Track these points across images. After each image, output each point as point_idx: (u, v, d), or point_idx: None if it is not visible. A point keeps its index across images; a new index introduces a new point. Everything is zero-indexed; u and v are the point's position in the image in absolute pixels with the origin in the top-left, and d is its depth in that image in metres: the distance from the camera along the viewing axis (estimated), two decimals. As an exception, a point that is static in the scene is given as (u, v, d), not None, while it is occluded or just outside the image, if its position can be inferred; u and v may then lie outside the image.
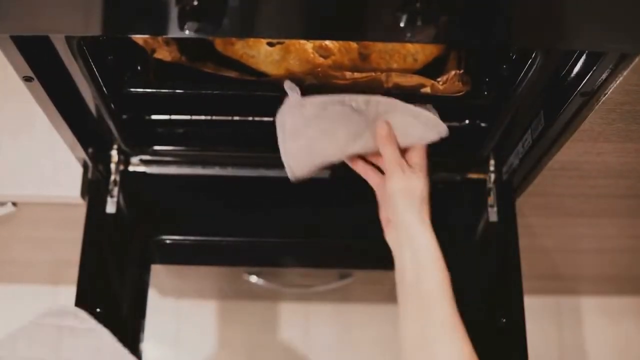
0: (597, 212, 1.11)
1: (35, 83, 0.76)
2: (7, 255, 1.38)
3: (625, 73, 0.70)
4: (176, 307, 1.64)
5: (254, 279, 1.29)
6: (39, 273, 1.48)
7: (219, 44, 0.86)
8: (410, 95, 0.85)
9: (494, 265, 0.99)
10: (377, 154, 0.84)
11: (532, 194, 1.00)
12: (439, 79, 0.84)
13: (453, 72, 0.84)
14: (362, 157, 0.87)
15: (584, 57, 0.73)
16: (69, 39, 0.72)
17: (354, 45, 0.84)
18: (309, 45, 0.83)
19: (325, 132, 0.82)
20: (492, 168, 1.00)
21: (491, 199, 1.00)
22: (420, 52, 0.85)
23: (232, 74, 0.85)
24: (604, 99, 0.75)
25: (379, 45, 0.84)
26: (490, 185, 1.00)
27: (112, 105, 0.87)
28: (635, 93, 0.74)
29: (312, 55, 0.83)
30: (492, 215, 0.99)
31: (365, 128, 0.83)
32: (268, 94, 0.84)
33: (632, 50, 0.66)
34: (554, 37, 0.65)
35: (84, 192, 1.02)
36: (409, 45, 0.84)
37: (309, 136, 0.82)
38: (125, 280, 0.85)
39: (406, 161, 0.83)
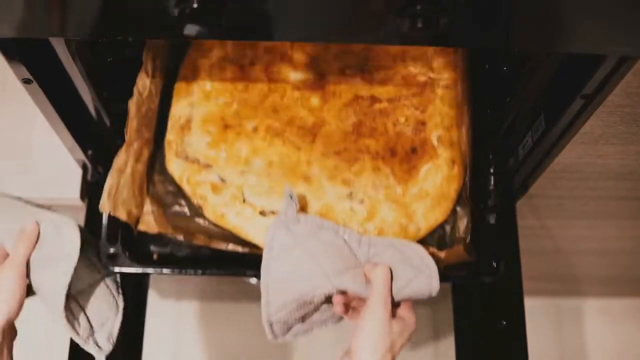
0: (597, 214, 1.11)
1: (35, 86, 0.76)
2: (7, 257, 1.38)
3: (626, 76, 0.70)
4: (176, 309, 1.64)
5: (254, 280, 1.29)
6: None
7: (209, 213, 0.84)
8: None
9: (493, 267, 0.98)
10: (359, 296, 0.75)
11: (532, 196, 1.00)
12: (443, 250, 0.83)
13: (460, 246, 0.83)
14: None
15: (584, 59, 0.73)
16: (68, 42, 0.72)
17: (360, 215, 0.83)
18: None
19: (314, 256, 0.75)
20: (492, 170, 0.99)
21: (491, 201, 0.99)
22: (422, 219, 0.84)
23: (223, 246, 0.83)
24: (604, 101, 0.74)
25: (382, 213, 0.83)
26: (491, 187, 1.00)
27: (112, 107, 0.87)
28: (636, 95, 0.74)
29: None
30: (492, 217, 0.99)
31: (355, 265, 0.76)
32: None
33: (632, 53, 0.66)
34: (555, 40, 0.65)
35: (84, 194, 1.01)
36: (412, 214, 0.83)
37: (296, 257, 0.75)
38: (125, 282, 0.85)
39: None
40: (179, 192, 0.87)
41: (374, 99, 0.88)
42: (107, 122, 0.88)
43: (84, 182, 1.01)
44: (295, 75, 0.89)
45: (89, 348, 0.79)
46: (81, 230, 0.79)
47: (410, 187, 0.85)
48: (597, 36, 0.63)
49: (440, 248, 0.85)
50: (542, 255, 1.31)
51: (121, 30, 0.63)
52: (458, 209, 0.86)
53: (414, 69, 0.89)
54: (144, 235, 0.85)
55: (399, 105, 0.88)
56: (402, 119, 0.87)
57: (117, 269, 0.82)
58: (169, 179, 0.87)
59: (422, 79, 0.89)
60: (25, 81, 0.75)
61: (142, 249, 0.86)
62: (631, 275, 1.50)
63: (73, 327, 0.78)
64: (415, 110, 0.87)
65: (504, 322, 0.96)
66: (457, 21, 0.60)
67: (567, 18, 0.61)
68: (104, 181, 0.96)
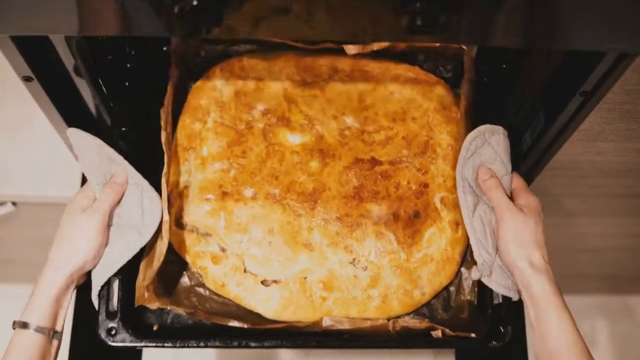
0: (596, 212, 1.11)
1: (35, 83, 0.76)
2: (7, 255, 1.38)
3: (625, 73, 0.70)
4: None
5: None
6: (38, 273, 1.47)
7: (210, 283, 0.82)
8: None
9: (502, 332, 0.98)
10: None
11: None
12: (448, 312, 0.83)
13: (466, 311, 0.82)
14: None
15: (583, 56, 0.73)
16: (68, 39, 0.72)
17: (364, 282, 0.82)
18: (308, 285, 0.81)
19: None
20: (491, 167, 0.99)
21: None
22: (427, 284, 0.82)
23: (224, 322, 0.79)
24: (603, 98, 0.75)
25: (386, 279, 0.82)
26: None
27: (112, 105, 0.87)
28: (635, 92, 0.74)
29: (311, 298, 0.81)
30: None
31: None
32: (268, 344, 0.79)
33: (631, 50, 0.66)
34: (553, 37, 0.65)
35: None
36: (417, 279, 0.82)
37: None
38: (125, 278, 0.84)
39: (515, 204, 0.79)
40: (179, 260, 0.84)
41: (374, 162, 0.86)
42: (107, 120, 0.88)
43: (84, 180, 1.01)
44: (293, 138, 0.87)
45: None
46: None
47: (415, 252, 0.83)
48: (596, 33, 0.63)
49: (445, 310, 0.84)
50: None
51: (121, 27, 0.63)
52: (463, 269, 0.84)
53: (414, 128, 0.87)
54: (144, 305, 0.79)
55: (401, 167, 0.85)
56: (404, 182, 0.85)
57: (116, 345, 0.79)
58: (169, 249, 0.81)
59: (423, 138, 0.87)
60: (26, 79, 0.75)
61: (141, 319, 0.83)
62: (630, 272, 1.50)
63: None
64: (417, 172, 0.85)
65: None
66: (456, 19, 0.60)
67: (566, 15, 0.61)
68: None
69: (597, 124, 0.80)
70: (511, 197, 0.80)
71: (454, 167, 0.84)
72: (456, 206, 0.83)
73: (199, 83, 0.89)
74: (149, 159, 0.84)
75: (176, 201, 0.84)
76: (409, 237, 0.83)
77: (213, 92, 0.88)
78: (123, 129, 0.85)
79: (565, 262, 1.41)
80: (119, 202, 0.78)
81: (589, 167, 0.92)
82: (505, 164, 0.81)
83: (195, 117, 0.87)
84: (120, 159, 0.80)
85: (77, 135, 0.80)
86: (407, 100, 0.89)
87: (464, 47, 0.87)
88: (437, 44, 0.88)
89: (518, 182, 0.81)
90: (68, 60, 0.76)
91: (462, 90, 0.86)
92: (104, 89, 0.83)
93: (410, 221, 0.84)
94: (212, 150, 0.86)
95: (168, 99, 0.84)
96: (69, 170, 1.02)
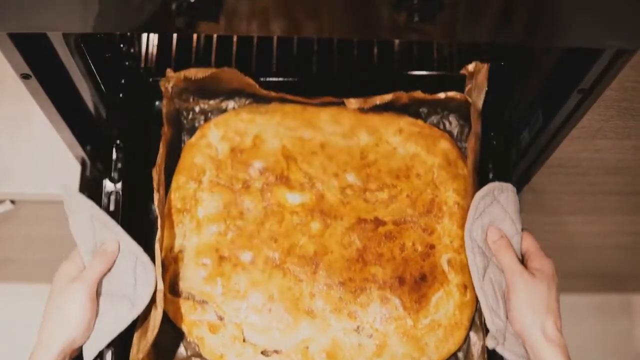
0: (595, 210, 1.11)
1: (33, 81, 0.76)
2: (6, 254, 1.38)
3: (623, 70, 0.70)
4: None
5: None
6: (37, 272, 1.47)
7: (207, 354, 0.79)
8: None
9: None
10: None
11: (530, 191, 1.01)
12: None
13: None
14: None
15: (581, 53, 0.73)
16: (66, 37, 0.72)
17: (369, 350, 0.78)
18: (310, 355, 0.78)
19: None
20: (490, 165, 1.00)
21: (489, 196, 1.00)
22: (435, 352, 0.79)
23: None
24: (601, 96, 0.75)
25: (392, 347, 0.78)
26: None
27: (110, 103, 0.87)
28: (633, 90, 0.74)
29: None
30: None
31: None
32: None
33: (629, 47, 0.66)
34: (551, 34, 0.65)
35: (82, 190, 1.02)
36: (424, 346, 0.79)
37: None
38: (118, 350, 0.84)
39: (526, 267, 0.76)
40: (174, 330, 0.81)
41: (378, 222, 0.82)
42: (106, 118, 0.88)
43: (83, 178, 1.01)
44: (292, 198, 0.83)
45: None
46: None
47: (422, 317, 0.79)
48: (594, 30, 0.64)
49: None
50: (541, 251, 1.32)
51: (118, 24, 0.63)
52: (471, 334, 0.81)
53: (419, 186, 0.83)
54: None
55: (405, 228, 0.82)
56: (409, 243, 0.81)
57: None
58: (164, 317, 0.77)
59: (428, 197, 0.83)
60: (24, 76, 0.75)
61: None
62: (629, 271, 1.50)
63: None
64: (423, 233, 0.81)
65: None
66: (453, 15, 0.60)
67: (564, 12, 0.61)
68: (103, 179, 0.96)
69: (596, 122, 0.80)
70: (523, 258, 0.78)
71: (460, 227, 0.81)
72: (464, 268, 0.80)
73: (193, 139, 0.86)
74: (142, 217, 0.83)
75: (171, 266, 0.80)
76: (415, 302, 0.79)
77: (208, 150, 0.84)
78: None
79: (564, 261, 1.40)
80: (109, 270, 0.75)
81: (587, 165, 0.92)
82: (515, 222, 0.79)
83: (189, 176, 0.84)
84: (113, 224, 0.77)
85: (70, 196, 0.78)
86: (411, 156, 0.85)
87: (469, 99, 0.83)
88: (442, 96, 0.84)
89: (530, 242, 0.78)
90: (66, 57, 0.76)
91: (469, 145, 0.83)
92: (102, 86, 0.83)
93: (416, 285, 0.80)
94: (207, 211, 0.82)
95: (160, 159, 0.81)
96: (68, 168, 1.02)
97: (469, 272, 0.78)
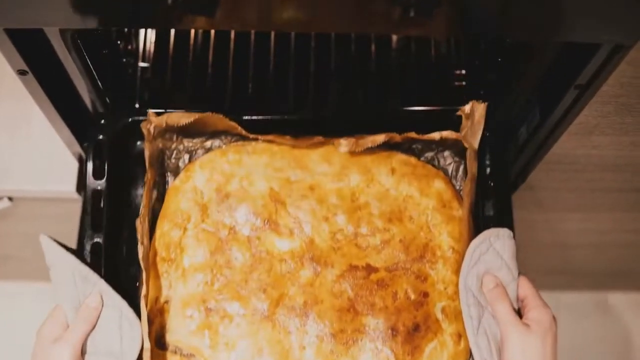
0: (593, 207, 1.11)
1: (30, 77, 0.76)
2: (4, 251, 1.38)
3: (620, 65, 0.70)
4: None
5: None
6: (35, 270, 1.48)
7: None
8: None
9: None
10: None
11: (528, 188, 1.00)
12: None
13: None
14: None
15: (578, 49, 0.73)
16: (63, 32, 0.72)
17: None
18: None
19: None
20: (488, 162, 1.00)
21: (488, 193, 1.00)
22: None
23: None
24: (598, 91, 0.75)
25: None
26: (487, 178, 1.00)
27: (107, 100, 0.87)
28: (630, 85, 0.74)
29: None
30: (488, 209, 0.99)
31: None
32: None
33: (626, 42, 0.66)
34: (548, 29, 0.65)
35: (80, 187, 1.02)
36: None
37: None
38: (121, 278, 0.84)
39: (521, 318, 0.74)
40: None
41: (370, 269, 0.80)
42: (104, 115, 0.88)
43: (81, 175, 1.01)
44: (281, 245, 0.80)
45: None
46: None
47: None
48: (591, 25, 0.64)
49: None
50: (538, 249, 1.32)
51: (115, 19, 0.63)
52: None
53: (412, 229, 0.81)
54: None
55: (398, 274, 0.79)
56: (402, 292, 0.79)
57: None
58: None
59: (421, 241, 0.81)
60: (21, 72, 0.75)
61: None
62: (629, 269, 1.50)
63: None
64: (416, 280, 0.79)
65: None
66: (449, 10, 0.60)
67: (561, 7, 0.61)
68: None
69: (593, 117, 0.80)
70: (520, 307, 0.76)
71: (454, 272, 0.80)
72: (458, 315, 0.78)
73: (177, 182, 0.83)
74: (127, 268, 0.81)
75: (156, 318, 0.78)
76: (408, 354, 0.77)
77: (193, 194, 0.82)
78: (96, 240, 0.80)
79: (562, 258, 1.41)
80: (93, 327, 0.73)
81: (585, 161, 0.92)
82: (512, 269, 0.77)
83: (174, 223, 0.81)
84: (95, 278, 0.75)
85: (51, 248, 0.76)
86: (404, 197, 0.83)
87: (465, 143, 0.81)
88: (436, 137, 0.82)
89: (527, 288, 0.76)
90: (63, 53, 0.76)
91: (465, 190, 0.81)
92: (99, 83, 0.83)
93: (409, 336, 0.78)
94: (193, 260, 0.80)
95: (144, 209, 0.79)
96: (65, 164, 1.02)
97: (463, 320, 0.76)
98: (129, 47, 0.94)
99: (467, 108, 0.81)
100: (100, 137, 0.81)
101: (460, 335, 0.78)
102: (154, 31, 1.00)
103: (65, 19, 0.65)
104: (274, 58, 0.98)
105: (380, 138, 0.80)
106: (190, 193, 0.82)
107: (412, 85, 0.99)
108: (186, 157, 0.85)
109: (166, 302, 0.79)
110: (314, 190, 0.82)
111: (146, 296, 0.76)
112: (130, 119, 0.81)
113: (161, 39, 0.97)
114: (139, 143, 0.83)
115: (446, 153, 0.85)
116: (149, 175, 0.80)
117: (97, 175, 0.80)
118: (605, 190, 1.04)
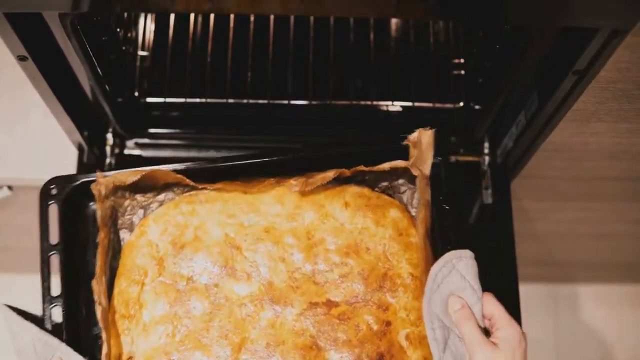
0: (592, 196, 1.11)
1: (30, 63, 0.76)
2: (3, 242, 1.39)
3: (617, 50, 0.70)
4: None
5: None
6: (35, 261, 1.47)
7: None
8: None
9: (489, 246, 0.99)
10: None
11: (526, 176, 1.01)
12: None
13: None
14: None
15: (576, 34, 0.74)
16: (62, 18, 0.72)
17: None
18: None
19: None
20: (486, 150, 1.00)
21: (486, 182, 1.00)
22: None
23: None
24: (596, 77, 0.75)
25: None
26: (485, 167, 1.00)
27: (107, 87, 0.87)
28: (628, 71, 0.74)
29: None
30: (487, 197, 1.00)
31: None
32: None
33: (623, 26, 0.67)
34: (546, 13, 0.65)
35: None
36: None
37: None
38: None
39: (489, 336, 0.73)
40: None
41: (330, 304, 0.79)
42: (103, 103, 0.88)
43: (80, 164, 1.01)
44: (240, 289, 0.80)
45: None
46: None
47: None
48: (588, 9, 0.64)
49: None
50: (537, 239, 1.32)
51: (112, 3, 0.64)
52: None
53: (370, 261, 0.80)
54: None
55: (359, 306, 0.79)
56: (364, 324, 0.78)
57: None
58: None
59: (380, 271, 0.80)
60: (21, 58, 0.76)
61: None
62: (627, 260, 1.50)
63: None
64: (378, 310, 0.78)
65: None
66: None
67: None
68: (100, 164, 0.96)
69: (591, 104, 0.81)
70: (488, 326, 0.75)
71: (416, 298, 0.79)
72: (422, 340, 0.78)
73: (132, 238, 0.83)
74: (87, 328, 0.81)
75: None
76: None
77: (148, 248, 0.81)
78: (55, 304, 0.79)
79: (562, 249, 1.41)
80: None
81: (582, 149, 0.92)
82: (476, 290, 0.75)
83: (131, 279, 0.81)
84: (56, 342, 0.75)
85: (10, 318, 0.76)
86: (360, 230, 0.82)
87: (413, 172, 0.80)
88: (386, 167, 0.81)
89: (494, 308, 0.74)
90: (62, 40, 0.76)
91: (419, 217, 0.80)
92: (99, 69, 0.84)
93: None
94: (153, 314, 0.79)
95: (99, 270, 0.79)
96: (64, 153, 1.02)
97: (429, 344, 0.75)
98: (129, 35, 0.94)
99: (412, 136, 0.80)
100: (51, 202, 0.81)
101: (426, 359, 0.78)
102: (153, 20, 1.00)
103: (63, 2, 0.65)
104: (272, 47, 0.98)
105: (330, 174, 0.80)
106: (145, 248, 0.82)
107: (411, 74, 0.99)
108: (140, 212, 0.84)
109: (129, 358, 0.79)
110: (269, 232, 0.82)
111: (108, 354, 0.76)
112: (80, 181, 0.81)
113: (160, 28, 0.97)
114: (91, 204, 0.83)
115: (400, 181, 0.85)
116: (101, 235, 0.80)
117: (50, 239, 0.80)
118: (603, 179, 1.04)
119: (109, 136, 0.99)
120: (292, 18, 0.99)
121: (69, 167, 1.01)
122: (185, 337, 0.78)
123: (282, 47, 0.98)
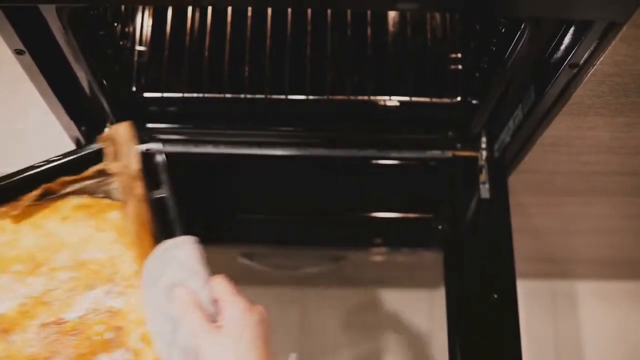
0: (589, 191, 1.11)
1: (27, 57, 0.76)
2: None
3: (613, 43, 0.70)
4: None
5: (249, 262, 1.29)
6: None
7: None
8: None
9: (486, 240, 0.99)
10: None
11: (523, 171, 1.01)
12: None
13: None
14: None
15: (572, 27, 0.74)
16: (59, 12, 0.72)
17: None
18: None
19: None
20: (483, 145, 1.00)
21: (483, 176, 1.00)
22: None
23: None
24: (592, 70, 0.75)
25: None
26: (482, 162, 1.00)
27: (105, 82, 0.87)
28: (624, 64, 0.75)
29: None
30: (484, 192, 1.00)
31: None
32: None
33: (620, 19, 0.67)
34: (542, 6, 0.66)
35: (78, 171, 1.02)
36: None
37: None
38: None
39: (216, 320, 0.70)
40: None
41: (60, 322, 0.78)
42: (101, 98, 0.88)
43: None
44: None
45: None
46: None
47: None
48: (584, 1, 0.64)
49: None
50: (535, 235, 1.32)
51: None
52: None
53: (96, 269, 0.79)
54: None
55: (89, 318, 0.78)
56: (97, 335, 0.77)
57: None
58: None
59: (106, 277, 0.79)
60: (18, 52, 0.76)
61: None
62: (625, 256, 1.50)
63: None
64: (109, 317, 0.77)
65: (496, 296, 0.97)
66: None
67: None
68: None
69: (587, 97, 0.81)
70: (215, 312, 0.72)
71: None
72: None
73: None
74: None
75: None
76: None
77: None
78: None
79: (559, 245, 1.41)
80: None
81: (580, 143, 0.92)
82: (201, 275, 0.74)
83: None
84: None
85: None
86: (82, 240, 0.81)
87: (114, 170, 0.80)
88: (90, 173, 0.80)
89: (220, 290, 0.71)
90: (59, 34, 0.76)
91: (128, 213, 0.79)
92: (96, 64, 0.84)
93: None
94: None
95: None
96: (61, 147, 1.02)
97: (154, 340, 0.74)
98: (126, 29, 0.94)
99: (107, 134, 0.80)
100: None
101: None
102: (151, 15, 1.00)
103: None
104: (270, 41, 0.98)
105: (36, 192, 0.80)
106: None
107: (408, 69, 0.99)
108: None
109: None
110: None
111: None
112: None
113: (158, 23, 0.97)
114: None
115: (116, 184, 0.84)
116: None
117: None
118: (601, 174, 1.03)
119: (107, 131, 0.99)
120: (289, 13, 0.99)
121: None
122: None
123: (279, 42, 0.98)
